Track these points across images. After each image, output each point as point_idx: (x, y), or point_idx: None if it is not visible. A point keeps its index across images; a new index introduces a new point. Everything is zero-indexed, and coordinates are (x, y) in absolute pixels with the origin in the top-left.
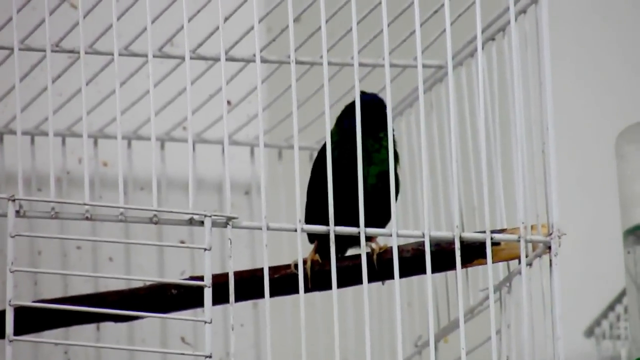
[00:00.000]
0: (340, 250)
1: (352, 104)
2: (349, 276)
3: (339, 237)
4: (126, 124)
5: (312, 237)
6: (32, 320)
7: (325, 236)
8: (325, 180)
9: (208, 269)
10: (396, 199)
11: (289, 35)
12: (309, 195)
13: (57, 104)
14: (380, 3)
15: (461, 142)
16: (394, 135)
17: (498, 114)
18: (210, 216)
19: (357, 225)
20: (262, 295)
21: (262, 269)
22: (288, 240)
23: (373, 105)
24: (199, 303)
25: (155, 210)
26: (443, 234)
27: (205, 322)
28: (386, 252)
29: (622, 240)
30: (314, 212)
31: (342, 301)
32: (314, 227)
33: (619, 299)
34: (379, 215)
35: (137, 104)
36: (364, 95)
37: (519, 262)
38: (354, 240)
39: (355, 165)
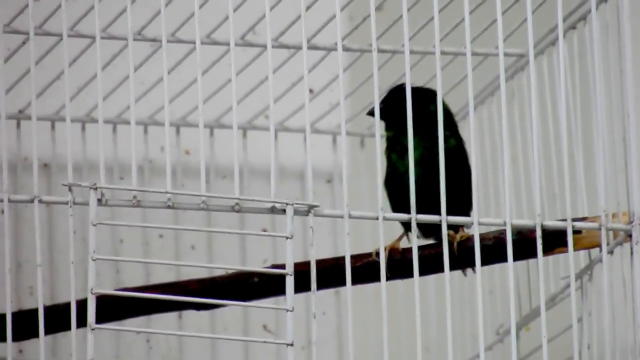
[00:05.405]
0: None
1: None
2: (431, 264)
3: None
4: (208, 112)
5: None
6: (114, 308)
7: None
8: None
9: (290, 257)
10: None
11: (371, 23)
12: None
13: (139, 93)
14: None
15: (542, 130)
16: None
17: (579, 102)
18: (292, 204)
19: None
20: (344, 284)
21: (344, 257)
22: (370, 228)
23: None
24: (281, 291)
25: (237, 199)
26: (524, 222)
27: (287, 310)
28: (468, 240)
29: None
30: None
31: (424, 289)
32: (396, 215)
33: None
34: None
35: (219, 93)
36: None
37: (600, 250)
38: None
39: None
